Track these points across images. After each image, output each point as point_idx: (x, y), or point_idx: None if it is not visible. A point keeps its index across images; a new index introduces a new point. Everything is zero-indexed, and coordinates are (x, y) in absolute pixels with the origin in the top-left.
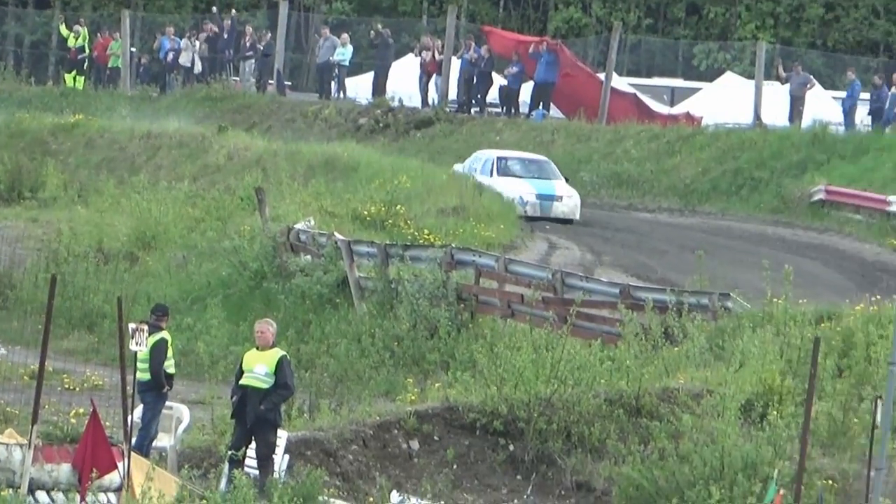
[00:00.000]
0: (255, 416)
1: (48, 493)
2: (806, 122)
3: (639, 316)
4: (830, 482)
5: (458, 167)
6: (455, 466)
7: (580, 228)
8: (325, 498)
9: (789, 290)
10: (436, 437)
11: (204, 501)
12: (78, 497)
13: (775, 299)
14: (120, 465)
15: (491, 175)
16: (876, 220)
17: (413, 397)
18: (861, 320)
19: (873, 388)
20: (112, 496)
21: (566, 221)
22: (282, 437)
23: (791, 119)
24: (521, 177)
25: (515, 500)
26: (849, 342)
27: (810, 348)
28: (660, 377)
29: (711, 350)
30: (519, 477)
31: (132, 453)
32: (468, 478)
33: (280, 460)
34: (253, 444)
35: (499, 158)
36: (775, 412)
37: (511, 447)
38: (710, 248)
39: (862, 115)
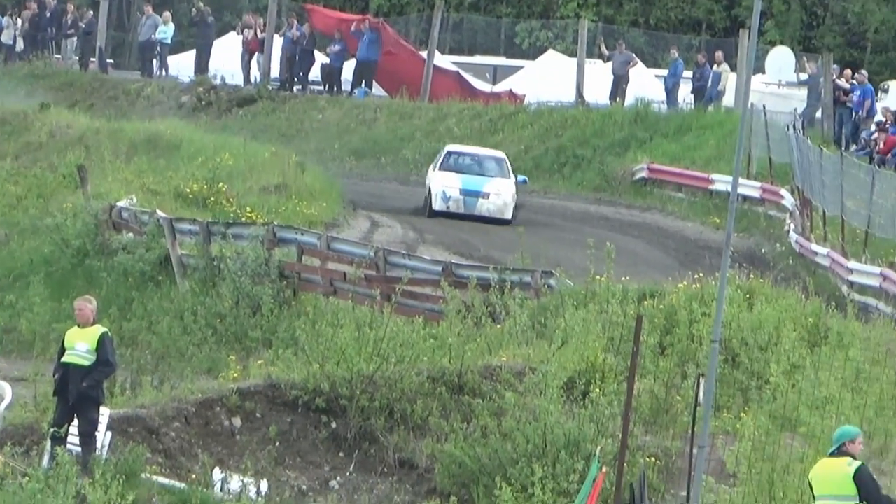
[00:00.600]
0: (77, 393)
1: None
2: (629, 100)
3: (461, 294)
4: (653, 460)
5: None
6: (277, 444)
7: (403, 206)
8: (148, 475)
9: (612, 268)
10: (258, 415)
11: (26, 479)
12: None
13: (598, 277)
14: None
15: (434, 170)
16: (698, 199)
17: (235, 374)
18: (684, 298)
19: (696, 365)
20: None
21: (498, 221)
22: (104, 414)
23: (613, 97)
24: (461, 172)
25: (338, 478)
26: (672, 320)
27: (633, 326)
28: (482, 355)
29: (534, 328)
30: (341, 454)
31: None
32: (290, 455)
33: (102, 437)
34: (75, 422)
35: (448, 153)
36: (598, 390)
37: (333, 424)
38: (533, 226)
39: (684, 94)
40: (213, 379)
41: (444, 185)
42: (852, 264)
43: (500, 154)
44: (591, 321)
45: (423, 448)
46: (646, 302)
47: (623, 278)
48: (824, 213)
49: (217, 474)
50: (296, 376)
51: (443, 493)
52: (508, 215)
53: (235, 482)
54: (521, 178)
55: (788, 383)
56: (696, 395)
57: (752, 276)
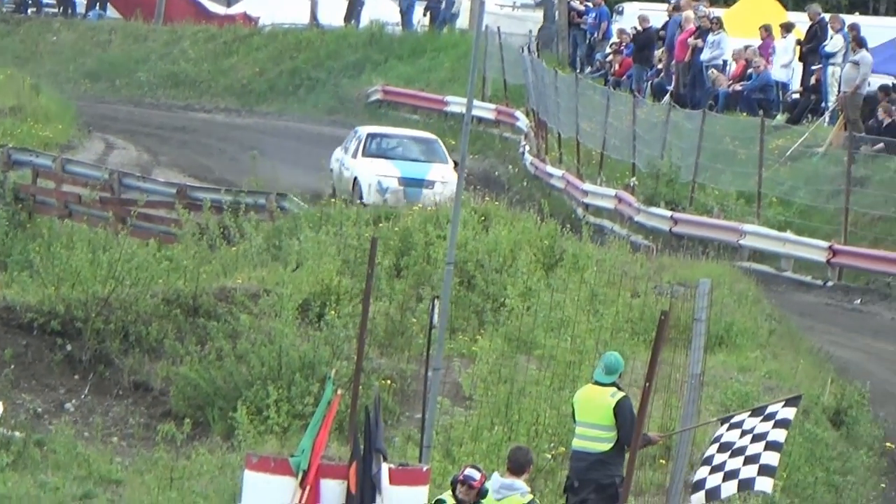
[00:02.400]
0: None
1: None
2: (363, 22)
3: (196, 216)
4: (388, 382)
5: (337, 152)
6: (13, 366)
7: (137, 128)
8: None
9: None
10: None
11: None
12: None
13: (333, 199)
14: None
15: (355, 156)
16: (433, 121)
17: None
18: (419, 220)
19: (431, 287)
20: None
21: None
22: None
23: (348, 19)
24: (391, 158)
25: (73, 400)
26: (407, 242)
27: (367, 248)
28: (217, 277)
29: (269, 250)
30: (77, 377)
31: None
32: (26, 378)
33: None
34: None
35: (370, 136)
36: (333, 312)
37: (69, 347)
38: (268, 149)
39: (419, 16)
40: None
41: (377, 174)
42: (587, 186)
43: (431, 136)
44: (325, 243)
45: (157, 371)
46: (381, 224)
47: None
48: (559, 135)
49: None
50: (31, 299)
51: (178, 415)
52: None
53: None
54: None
55: (524, 306)
56: (430, 318)
57: (486, 198)
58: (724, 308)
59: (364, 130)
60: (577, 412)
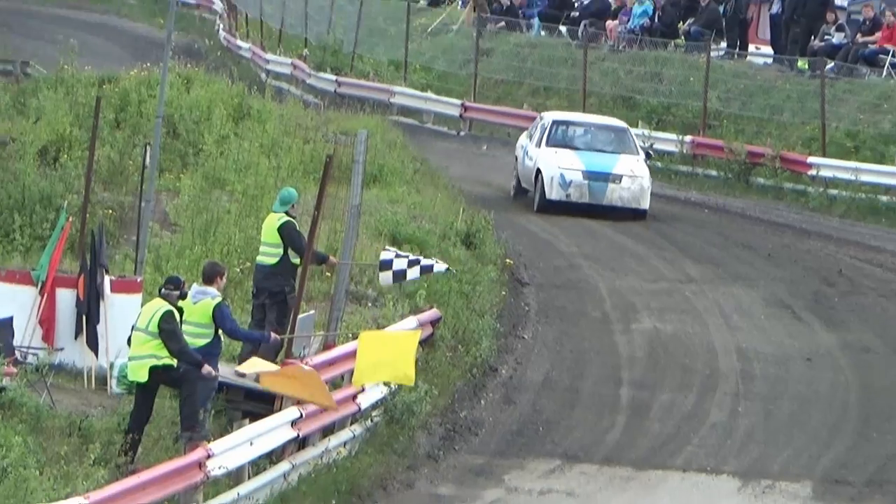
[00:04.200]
0: None
1: None
2: None
3: None
4: (110, 211)
5: (522, 139)
6: None
7: None
8: None
9: (76, 60)
10: None
11: None
12: None
13: (66, 66)
14: None
15: (539, 145)
16: (147, 4)
17: None
18: (135, 83)
19: (144, 136)
20: None
21: (634, 212)
22: None
23: None
24: (576, 148)
25: None
26: (125, 100)
27: (94, 105)
28: None
29: (14, 107)
30: None
31: None
32: None
33: None
34: None
35: (555, 123)
36: (66, 156)
37: None
38: (14, 25)
39: None
40: None
41: (560, 167)
42: (269, 56)
43: (621, 123)
44: (60, 101)
45: None
46: (105, 86)
47: (86, 67)
48: (247, 15)
49: None
50: None
51: None
52: (646, 205)
53: None
54: (646, 151)
55: (218, 150)
56: (143, 160)
57: (188, 66)
58: (378, 153)
59: (549, 117)
60: (262, 235)
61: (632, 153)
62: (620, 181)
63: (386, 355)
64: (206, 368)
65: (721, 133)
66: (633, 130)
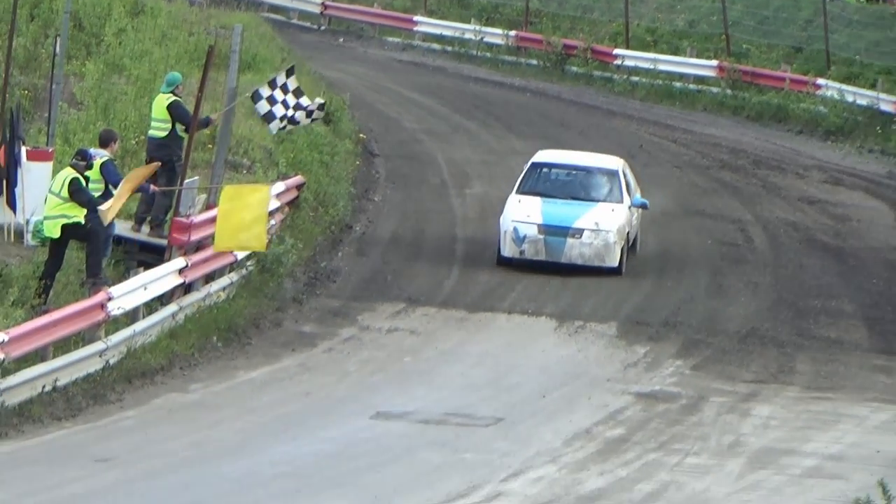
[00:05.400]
0: None
1: None
2: None
3: None
4: (26, 92)
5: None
6: None
7: None
8: None
9: None
10: None
11: None
12: None
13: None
14: None
15: (516, 191)
16: None
17: None
18: None
19: (55, 29)
20: None
21: (600, 271)
22: None
23: None
24: (549, 196)
25: None
26: None
27: (11, 2)
28: None
29: None
30: None
31: None
32: None
33: None
34: None
35: (534, 166)
36: None
37: None
38: None
39: None
40: None
41: (515, 220)
42: None
43: (614, 163)
44: None
45: None
46: None
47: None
48: None
49: None
50: None
51: None
52: (614, 261)
53: None
54: (638, 199)
55: (117, 41)
56: (54, 49)
57: None
58: (251, 44)
59: (537, 157)
60: (152, 112)
61: (614, 201)
62: (581, 236)
63: (243, 217)
64: (102, 211)
65: (541, 28)
66: (466, 27)
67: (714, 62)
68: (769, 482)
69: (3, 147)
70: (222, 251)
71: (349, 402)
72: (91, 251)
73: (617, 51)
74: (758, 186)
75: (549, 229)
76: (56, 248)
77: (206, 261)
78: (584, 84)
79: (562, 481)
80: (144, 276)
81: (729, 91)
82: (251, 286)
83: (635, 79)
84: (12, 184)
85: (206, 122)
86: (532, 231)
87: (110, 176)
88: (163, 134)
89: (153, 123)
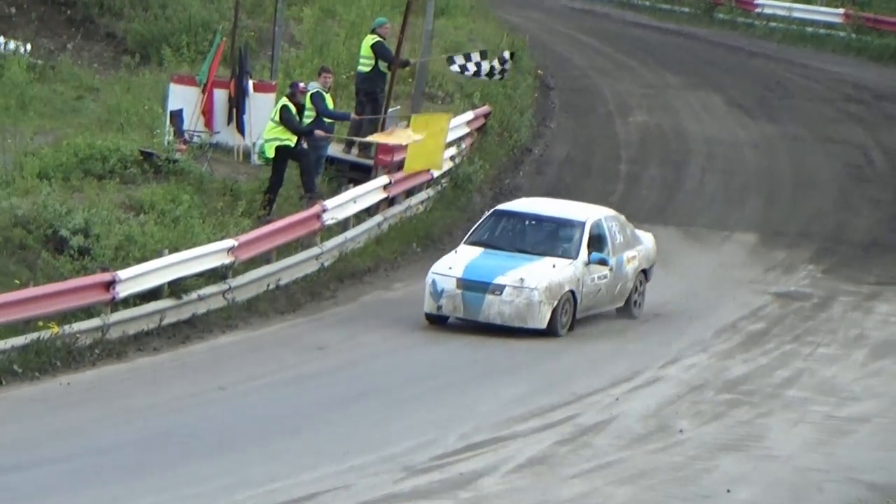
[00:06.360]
0: None
1: None
2: None
3: None
4: (252, 33)
5: None
6: (35, 22)
7: None
8: None
9: None
10: None
11: None
12: None
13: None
14: None
15: (464, 241)
16: None
17: None
18: None
19: None
20: None
21: (526, 332)
22: None
23: None
24: (494, 248)
25: (70, 43)
26: None
27: None
28: None
29: None
30: (73, 29)
31: None
32: (43, 29)
33: None
34: None
35: (493, 214)
36: None
37: (68, 11)
38: None
39: None
40: None
41: (437, 271)
42: None
43: (585, 215)
44: None
45: (121, 25)
46: None
47: None
48: None
49: None
50: None
51: (132, 52)
52: (539, 322)
53: None
54: (596, 255)
55: None
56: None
57: None
58: None
59: (501, 205)
60: (360, 50)
61: (564, 256)
62: (501, 293)
63: (427, 142)
64: (316, 133)
65: None
66: None
67: (840, 10)
68: (889, 369)
69: (233, 80)
70: (412, 171)
71: None
72: (303, 170)
73: (758, 0)
74: (879, 117)
75: (467, 284)
76: (276, 166)
77: (406, 178)
78: (728, 29)
79: (711, 368)
80: (354, 191)
81: (853, 35)
82: (445, 200)
83: (773, 24)
84: (241, 112)
85: (405, 63)
86: (450, 285)
87: (318, 105)
88: (367, 69)
89: (360, 60)
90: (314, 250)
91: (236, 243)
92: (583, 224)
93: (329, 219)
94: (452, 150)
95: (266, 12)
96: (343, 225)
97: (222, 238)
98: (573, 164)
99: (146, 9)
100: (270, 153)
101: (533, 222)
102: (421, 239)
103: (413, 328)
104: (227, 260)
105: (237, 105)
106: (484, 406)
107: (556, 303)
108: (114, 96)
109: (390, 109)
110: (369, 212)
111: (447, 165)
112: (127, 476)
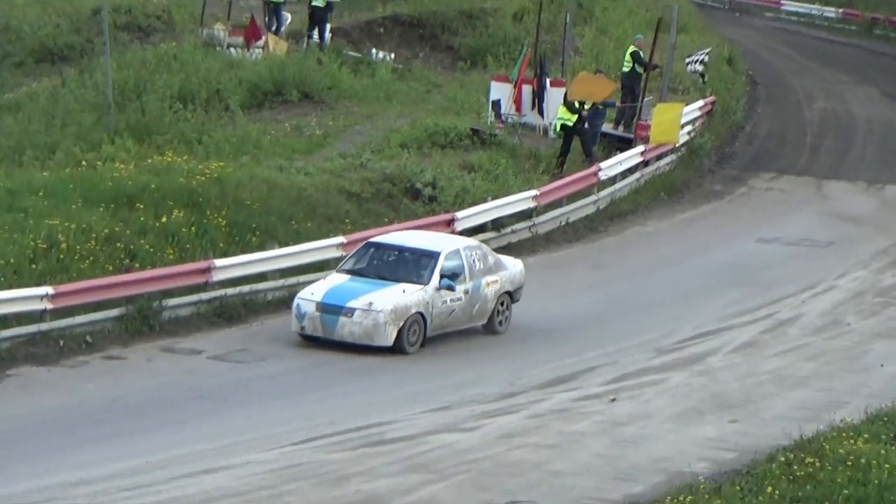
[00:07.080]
0: None
1: None
2: None
3: None
4: (548, 46)
5: None
6: None
7: None
8: None
9: None
10: None
11: None
12: None
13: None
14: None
15: (336, 269)
16: None
17: None
18: None
19: (565, 7)
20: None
21: (375, 350)
22: None
23: None
24: (358, 275)
25: None
26: None
27: None
28: None
29: None
30: None
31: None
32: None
33: None
34: None
35: (366, 245)
36: (528, 17)
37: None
38: None
39: None
40: None
41: (302, 296)
42: None
43: (441, 246)
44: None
45: (458, 41)
46: None
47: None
48: None
49: None
50: None
51: (465, 58)
52: (384, 340)
53: None
54: (445, 282)
55: (603, 15)
56: (565, 20)
57: None
58: (682, 16)
59: (373, 238)
60: (624, 57)
61: (416, 282)
62: (352, 315)
63: (666, 123)
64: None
65: (859, 6)
66: (812, 7)
67: None
68: None
69: (535, 79)
70: (656, 143)
71: (741, 232)
72: (583, 141)
73: None
74: None
75: (325, 307)
76: (565, 138)
77: (655, 148)
78: (883, 42)
79: (869, 279)
80: (621, 156)
81: None
82: (683, 162)
83: None
84: (541, 101)
85: (655, 66)
86: (311, 308)
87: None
88: (627, 70)
89: (623, 64)
90: (593, 198)
91: (538, 192)
92: (437, 254)
93: (603, 175)
94: (689, 127)
95: (558, 30)
96: (613, 179)
97: (529, 189)
98: (773, 137)
99: (475, 28)
100: (559, 130)
101: (396, 253)
102: (666, 189)
103: (659, 253)
104: (531, 204)
105: (539, 96)
106: (710, 308)
107: (402, 323)
108: (452, 90)
109: (645, 99)
110: (631, 170)
111: (684, 138)
112: None
